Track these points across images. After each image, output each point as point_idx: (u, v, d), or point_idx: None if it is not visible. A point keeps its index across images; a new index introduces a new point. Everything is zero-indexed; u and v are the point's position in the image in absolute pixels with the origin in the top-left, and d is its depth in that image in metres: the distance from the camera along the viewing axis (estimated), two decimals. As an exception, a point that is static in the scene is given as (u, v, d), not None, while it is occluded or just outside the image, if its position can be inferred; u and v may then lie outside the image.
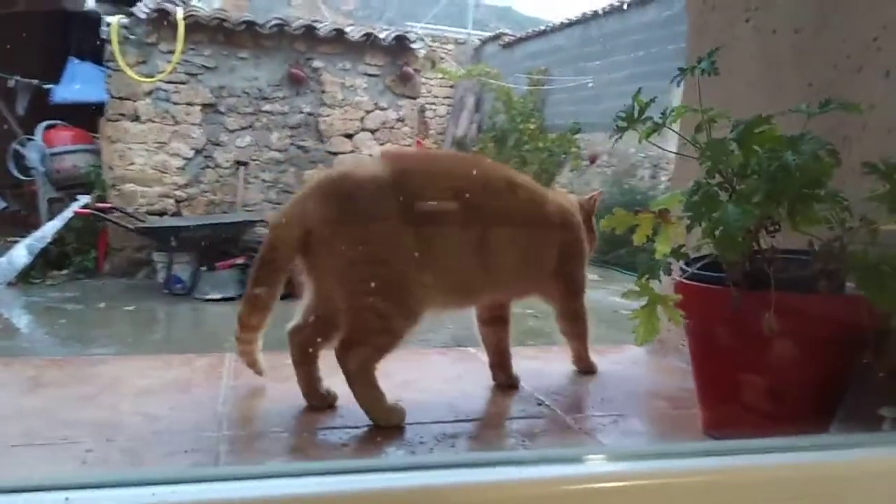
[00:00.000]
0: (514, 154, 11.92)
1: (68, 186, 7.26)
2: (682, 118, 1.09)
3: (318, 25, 7.55)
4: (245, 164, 7.34)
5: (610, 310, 6.72)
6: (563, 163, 11.38)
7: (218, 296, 6.56)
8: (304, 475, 0.61)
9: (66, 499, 0.46)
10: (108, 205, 6.83)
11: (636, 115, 0.99)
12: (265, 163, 7.46)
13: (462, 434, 1.10)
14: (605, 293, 7.43)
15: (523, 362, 1.52)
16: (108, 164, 7.04)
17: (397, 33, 7.76)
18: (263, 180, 7.47)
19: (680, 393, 1.38)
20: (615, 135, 1.01)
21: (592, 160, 10.78)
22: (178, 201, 7.19)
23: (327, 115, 7.56)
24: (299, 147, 7.56)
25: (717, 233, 0.81)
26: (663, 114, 1.05)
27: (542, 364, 1.55)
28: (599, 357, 1.51)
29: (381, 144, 7.72)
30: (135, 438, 1.01)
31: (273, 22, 7.22)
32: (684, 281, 1.01)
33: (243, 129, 7.35)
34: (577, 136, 11.22)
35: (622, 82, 10.69)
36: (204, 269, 6.69)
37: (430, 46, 11.08)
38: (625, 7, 10.76)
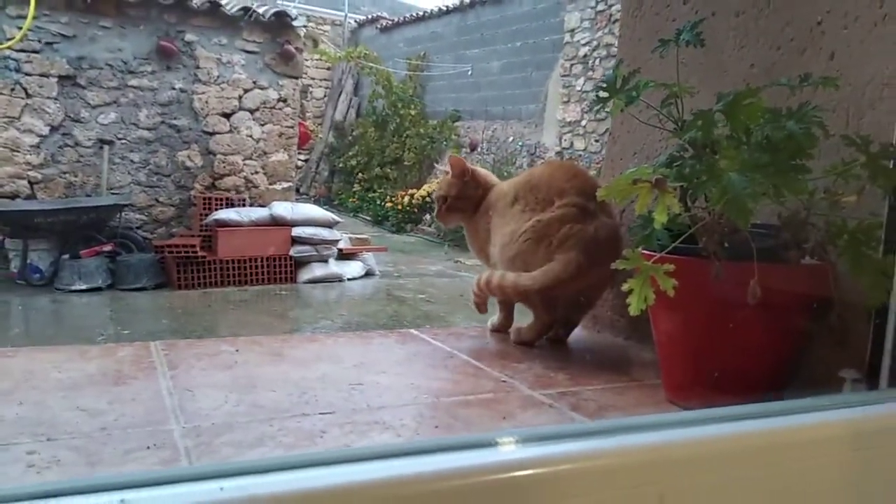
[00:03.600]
0: (394, 140, 11.87)
1: None
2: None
3: (192, -4, 7.08)
4: (110, 142, 6.78)
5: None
6: (443, 150, 11.47)
7: (83, 286, 6.03)
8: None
9: (122, 500, 0.38)
10: (-52, 186, 6.07)
11: (618, 85, 0.98)
12: (133, 142, 6.93)
13: (444, 413, 1.06)
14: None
15: (454, 340, 1.50)
16: (-54, 141, 6.25)
17: (277, 9, 7.45)
18: (132, 161, 6.94)
19: (631, 366, 1.42)
20: (596, 105, 1.00)
21: (473, 147, 10.95)
22: (32, 183, 6.52)
23: (202, 93, 7.13)
24: (171, 126, 7.09)
25: (724, 201, 0.82)
26: (633, 87, 1.06)
27: (475, 342, 1.54)
28: (502, 338, 1.53)
29: (262, 125, 7.41)
30: (81, 436, 0.88)
31: (139, -11, 6.70)
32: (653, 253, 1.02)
33: (107, 104, 6.78)
34: (457, 123, 11.36)
35: (500, 71, 10.94)
36: (66, 257, 6.12)
37: (307, 26, 10.74)
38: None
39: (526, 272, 1.36)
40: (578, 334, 1.65)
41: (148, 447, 0.86)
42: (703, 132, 0.90)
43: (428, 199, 10.69)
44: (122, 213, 6.75)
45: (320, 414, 1.02)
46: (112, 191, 6.79)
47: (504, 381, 1.23)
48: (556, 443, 0.58)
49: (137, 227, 6.95)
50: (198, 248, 6.52)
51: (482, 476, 0.52)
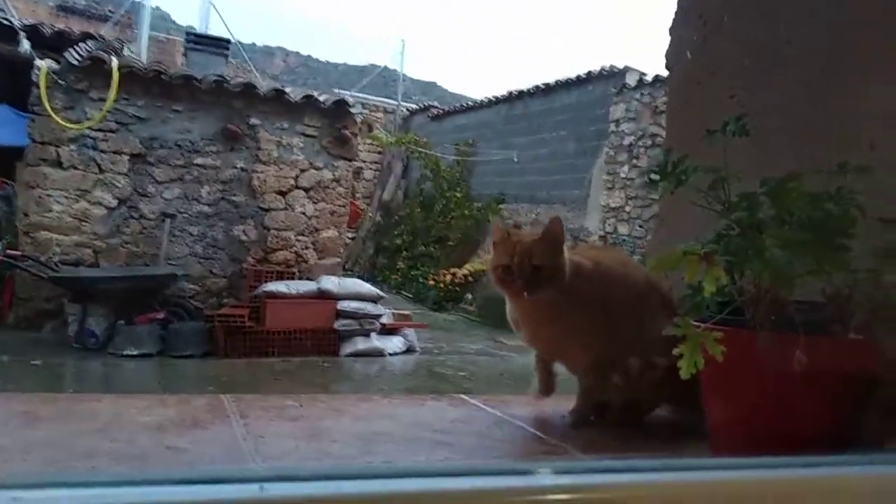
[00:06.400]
0: (440, 220, 12.14)
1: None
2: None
3: (258, 85, 7.58)
4: (172, 216, 7.14)
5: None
6: (487, 231, 11.67)
7: (135, 352, 6.23)
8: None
9: (260, 487, 0.46)
10: (20, 252, 6.44)
11: (669, 169, 1.08)
12: (193, 216, 7.28)
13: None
14: (532, 357, 7.59)
15: (504, 407, 1.55)
16: (23, 210, 6.68)
17: (337, 98, 7.89)
18: (190, 234, 7.27)
19: (681, 434, 1.44)
20: (649, 188, 1.09)
21: (517, 229, 11.12)
22: (96, 251, 6.86)
23: (261, 172, 7.51)
24: (230, 202, 7.44)
25: (768, 272, 0.89)
26: (683, 171, 1.16)
27: (524, 409, 1.58)
28: (550, 407, 1.52)
29: (315, 203, 7.71)
30: (172, 468, 0.97)
31: (212, 78, 7.20)
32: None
33: (172, 181, 7.18)
34: (502, 206, 11.59)
35: (546, 158, 11.22)
36: (122, 323, 6.35)
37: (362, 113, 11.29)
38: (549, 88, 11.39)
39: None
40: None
41: (231, 481, 0.94)
42: (748, 213, 0.98)
43: (470, 278, 10.81)
44: (178, 283, 7.02)
45: (382, 462, 1.08)
46: (170, 261, 7.09)
47: (556, 445, 1.28)
48: (596, 474, 0.63)
49: (190, 297, 7.19)
50: (246, 319, 6.70)
51: (517, 498, 0.58)
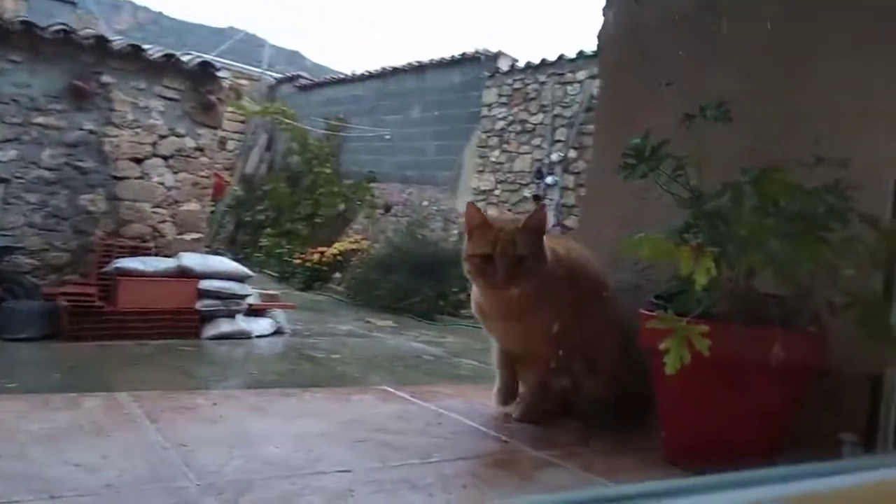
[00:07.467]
0: (307, 197, 11.74)
1: None
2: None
3: (112, 38, 6.86)
4: (6, 181, 6.30)
5: (412, 354, 6.80)
6: (357, 209, 11.45)
7: (-41, 333, 5.46)
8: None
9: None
10: None
11: (647, 153, 1.03)
12: (32, 182, 6.46)
13: (464, 473, 1.02)
14: (403, 339, 7.53)
15: (435, 399, 1.47)
16: None
17: (202, 59, 7.33)
18: (28, 202, 6.46)
19: (620, 426, 1.42)
20: (624, 171, 1.04)
21: (387, 209, 11.00)
22: None
23: (114, 136, 6.81)
24: (76, 168, 6.69)
25: (772, 267, 0.86)
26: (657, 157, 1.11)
27: (455, 402, 1.50)
28: (479, 399, 1.47)
29: (175, 173, 7.14)
30: (89, 494, 0.78)
31: (57, 27, 6.40)
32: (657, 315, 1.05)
33: (8, 141, 6.32)
34: (373, 184, 11.41)
35: (418, 137, 11.15)
36: (-58, 301, 5.54)
37: (228, 78, 10.59)
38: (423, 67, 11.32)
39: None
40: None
41: (171, 506, 0.77)
42: (734, 203, 0.95)
43: (339, 257, 10.56)
44: (11, 257, 6.23)
45: (338, 472, 0.96)
46: (3, 232, 6.27)
47: (506, 442, 1.21)
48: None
49: (27, 272, 6.41)
50: (95, 298, 6.09)
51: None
